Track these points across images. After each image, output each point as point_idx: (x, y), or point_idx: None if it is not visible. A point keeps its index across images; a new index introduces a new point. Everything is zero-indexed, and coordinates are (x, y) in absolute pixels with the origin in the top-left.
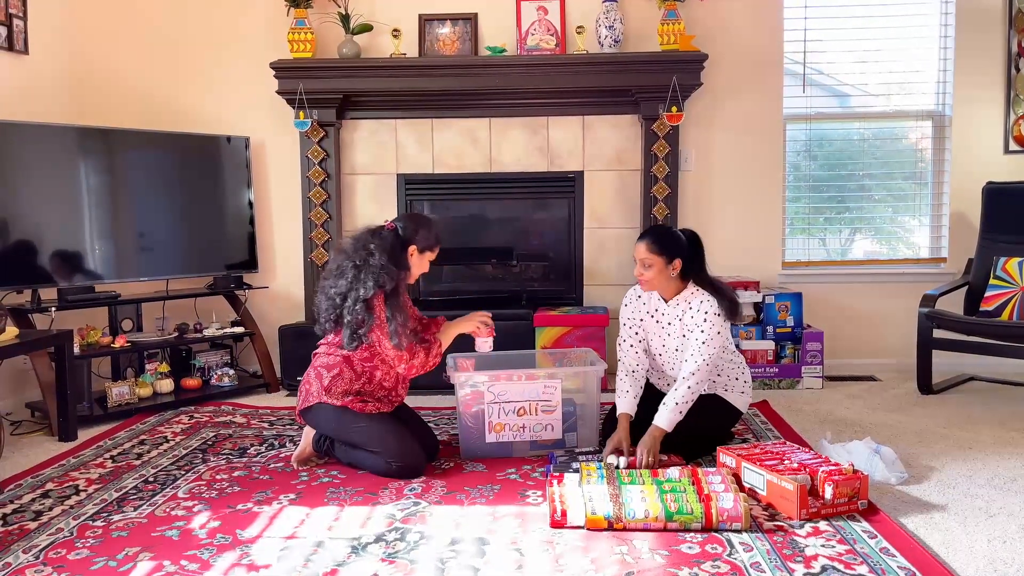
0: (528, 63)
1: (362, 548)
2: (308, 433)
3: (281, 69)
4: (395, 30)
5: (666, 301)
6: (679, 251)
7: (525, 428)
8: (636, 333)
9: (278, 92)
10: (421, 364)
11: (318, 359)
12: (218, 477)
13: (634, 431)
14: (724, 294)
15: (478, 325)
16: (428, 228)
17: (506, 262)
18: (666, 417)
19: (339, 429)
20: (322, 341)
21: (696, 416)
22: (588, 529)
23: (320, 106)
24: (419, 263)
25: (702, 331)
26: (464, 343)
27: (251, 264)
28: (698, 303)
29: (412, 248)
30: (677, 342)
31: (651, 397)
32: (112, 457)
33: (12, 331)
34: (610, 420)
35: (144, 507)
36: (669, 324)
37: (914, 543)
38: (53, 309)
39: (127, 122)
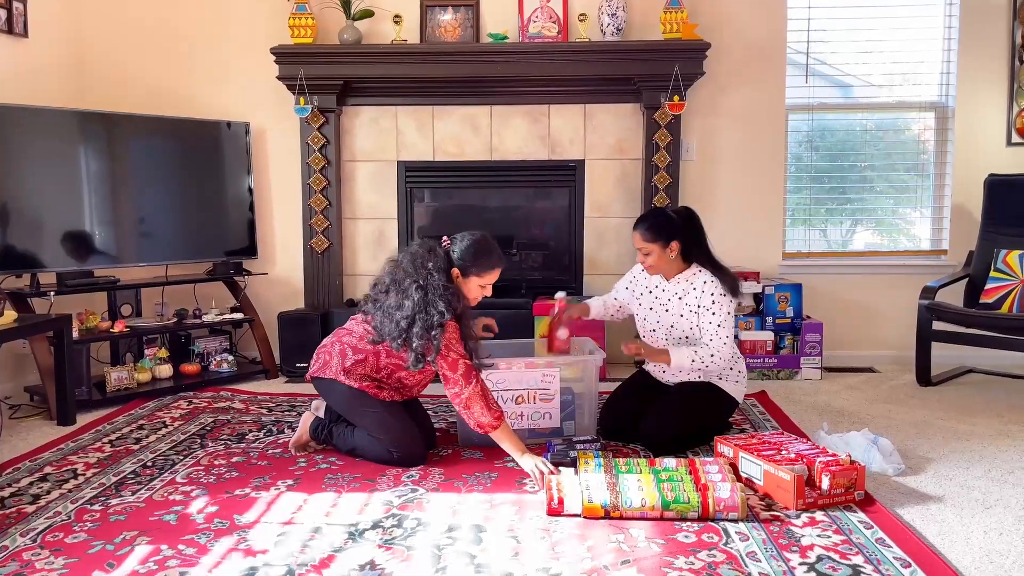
0: (530, 51)
1: (359, 534)
2: (306, 420)
3: (282, 55)
4: (396, 16)
5: (667, 279)
6: (674, 233)
7: (523, 416)
8: (624, 293)
9: (278, 78)
10: (474, 398)
11: (349, 335)
12: (216, 462)
13: (630, 425)
14: (725, 273)
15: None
16: (475, 251)
17: (506, 251)
18: (678, 356)
19: (349, 408)
20: (356, 317)
21: (692, 405)
22: (585, 517)
23: (321, 92)
24: (464, 287)
25: (714, 313)
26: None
27: (251, 250)
28: (701, 283)
29: (455, 271)
30: (673, 319)
31: (647, 388)
32: (110, 442)
33: (11, 315)
34: (608, 408)
35: (142, 491)
36: (668, 301)
37: (910, 534)
38: (52, 294)
39: (127, 106)
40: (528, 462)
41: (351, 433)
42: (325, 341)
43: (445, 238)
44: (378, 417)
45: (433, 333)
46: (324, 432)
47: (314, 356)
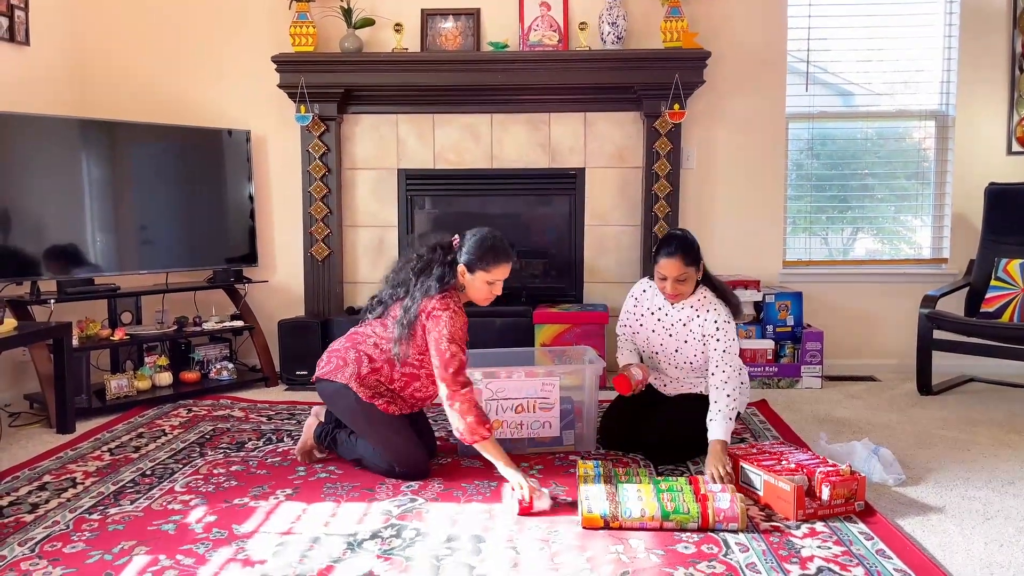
0: (530, 59)
1: (358, 544)
2: (309, 426)
3: (283, 63)
4: (397, 24)
5: (672, 304)
6: (700, 255)
7: (523, 425)
8: (630, 326)
9: (279, 86)
10: (467, 405)
11: (366, 341)
12: (215, 471)
13: (630, 434)
14: (728, 296)
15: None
16: (480, 246)
17: None
18: (722, 427)
19: (355, 421)
20: (370, 322)
21: (693, 415)
22: (584, 527)
23: (321, 100)
24: (472, 285)
25: (718, 340)
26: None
27: (251, 258)
28: (706, 312)
29: (461, 268)
30: (677, 344)
31: (647, 397)
32: (110, 450)
33: (11, 323)
34: (608, 417)
35: (141, 501)
36: (672, 326)
37: (910, 545)
38: (52, 301)
39: (128, 114)
40: (514, 475)
41: (355, 442)
42: (336, 344)
43: (456, 236)
44: (383, 434)
45: (416, 303)
46: (328, 438)
47: (325, 357)
